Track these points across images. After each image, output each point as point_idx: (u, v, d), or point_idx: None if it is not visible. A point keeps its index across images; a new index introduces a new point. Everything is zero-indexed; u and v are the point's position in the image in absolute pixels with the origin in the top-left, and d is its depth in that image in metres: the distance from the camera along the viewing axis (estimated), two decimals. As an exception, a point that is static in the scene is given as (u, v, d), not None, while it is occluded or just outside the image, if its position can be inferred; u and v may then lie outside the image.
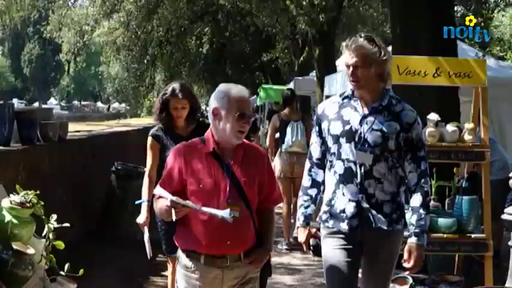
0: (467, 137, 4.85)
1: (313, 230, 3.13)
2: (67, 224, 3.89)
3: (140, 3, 15.04)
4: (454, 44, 7.07)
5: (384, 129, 2.85)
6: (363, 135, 2.85)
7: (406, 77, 5.49)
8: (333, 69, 12.98)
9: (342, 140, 2.88)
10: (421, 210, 2.86)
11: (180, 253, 2.68)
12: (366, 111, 2.90)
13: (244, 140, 2.72)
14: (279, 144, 6.74)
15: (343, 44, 2.94)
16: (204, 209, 2.46)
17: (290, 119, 6.63)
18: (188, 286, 2.63)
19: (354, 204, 2.85)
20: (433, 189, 4.94)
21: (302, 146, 6.40)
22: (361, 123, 2.88)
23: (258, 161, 2.76)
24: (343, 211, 2.87)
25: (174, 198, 2.42)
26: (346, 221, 2.86)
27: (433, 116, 5.09)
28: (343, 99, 2.99)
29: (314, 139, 3.07)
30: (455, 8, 11.01)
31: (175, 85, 4.00)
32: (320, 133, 3.02)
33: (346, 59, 2.88)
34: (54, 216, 4.00)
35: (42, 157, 5.41)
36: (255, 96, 18.07)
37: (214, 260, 2.58)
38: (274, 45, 16.32)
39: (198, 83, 25.65)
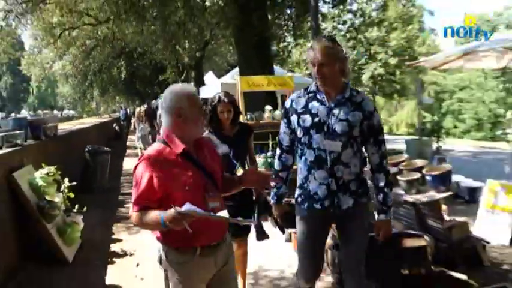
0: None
1: (285, 205, 2.95)
2: (74, 183, 5.07)
3: (81, 48, 20.77)
4: (272, 67, 10.14)
5: (350, 118, 2.58)
6: (331, 126, 2.58)
7: (252, 87, 6.84)
8: (202, 83, 18.51)
9: (312, 131, 2.61)
10: (386, 189, 2.66)
11: (166, 250, 2.17)
12: (332, 104, 2.61)
13: None
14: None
15: (309, 45, 2.65)
16: (213, 215, 2.02)
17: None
18: (183, 279, 2.17)
19: (324, 187, 2.62)
20: (270, 146, 6.19)
21: None
22: (328, 115, 2.60)
23: (211, 150, 2.38)
24: (316, 193, 2.65)
25: (182, 209, 1.92)
26: (319, 202, 2.65)
27: (268, 107, 6.77)
28: (308, 93, 2.70)
29: (283, 129, 2.79)
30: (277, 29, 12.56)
31: (220, 93, 3.62)
32: (288, 124, 2.74)
33: (312, 58, 2.57)
34: (66, 179, 4.98)
35: (51, 147, 6.55)
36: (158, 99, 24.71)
37: (210, 250, 2.19)
38: (166, 71, 22.12)
39: (119, 95, 34.48)
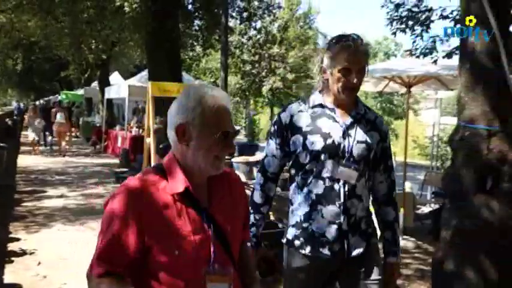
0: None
1: (264, 251, 2.09)
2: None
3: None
4: (181, 75, 10.10)
5: (368, 140, 1.97)
6: (347, 149, 1.94)
7: (163, 92, 7.04)
8: (108, 84, 18.20)
9: (324, 156, 1.93)
10: (395, 226, 2.10)
11: None
12: (348, 122, 1.97)
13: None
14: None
15: (349, 43, 1.86)
16: None
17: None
18: None
19: (335, 226, 1.94)
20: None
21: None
22: (344, 135, 1.94)
23: (237, 193, 1.49)
24: (323, 235, 1.94)
25: None
26: (327, 246, 1.94)
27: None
28: (312, 107, 1.99)
29: (272, 152, 2.04)
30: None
31: None
32: (282, 146, 2.02)
33: (348, 62, 1.87)
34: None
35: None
36: (57, 95, 23.59)
37: None
38: (68, 67, 21.00)
39: (12, 88, 32.90)
